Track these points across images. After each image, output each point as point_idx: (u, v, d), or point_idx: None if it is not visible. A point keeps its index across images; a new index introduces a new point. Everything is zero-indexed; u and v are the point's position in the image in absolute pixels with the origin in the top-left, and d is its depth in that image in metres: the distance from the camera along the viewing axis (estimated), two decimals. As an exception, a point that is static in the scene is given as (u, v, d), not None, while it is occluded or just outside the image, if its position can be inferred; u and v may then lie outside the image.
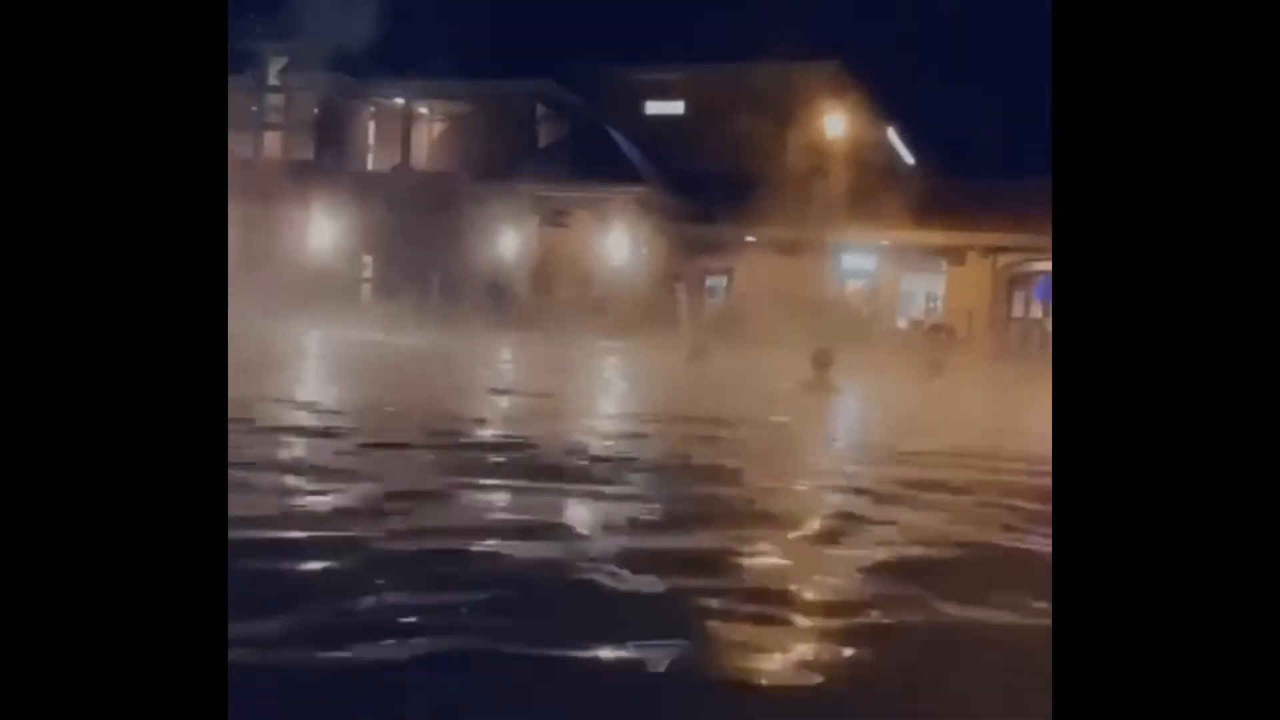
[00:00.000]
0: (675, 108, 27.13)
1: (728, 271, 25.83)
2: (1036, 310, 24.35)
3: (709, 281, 26.06)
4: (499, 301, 22.63)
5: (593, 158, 24.50)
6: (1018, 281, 24.62)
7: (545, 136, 27.31)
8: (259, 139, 28.78)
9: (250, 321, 18.06)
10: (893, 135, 27.72)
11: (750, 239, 24.28)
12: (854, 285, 25.86)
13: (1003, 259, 23.93)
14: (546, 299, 23.29)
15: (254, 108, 28.59)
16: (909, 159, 28.12)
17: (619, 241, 24.85)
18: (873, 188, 21.77)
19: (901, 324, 24.71)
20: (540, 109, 27.33)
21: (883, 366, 16.21)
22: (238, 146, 28.77)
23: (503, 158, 24.50)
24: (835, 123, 24.07)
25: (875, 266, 25.52)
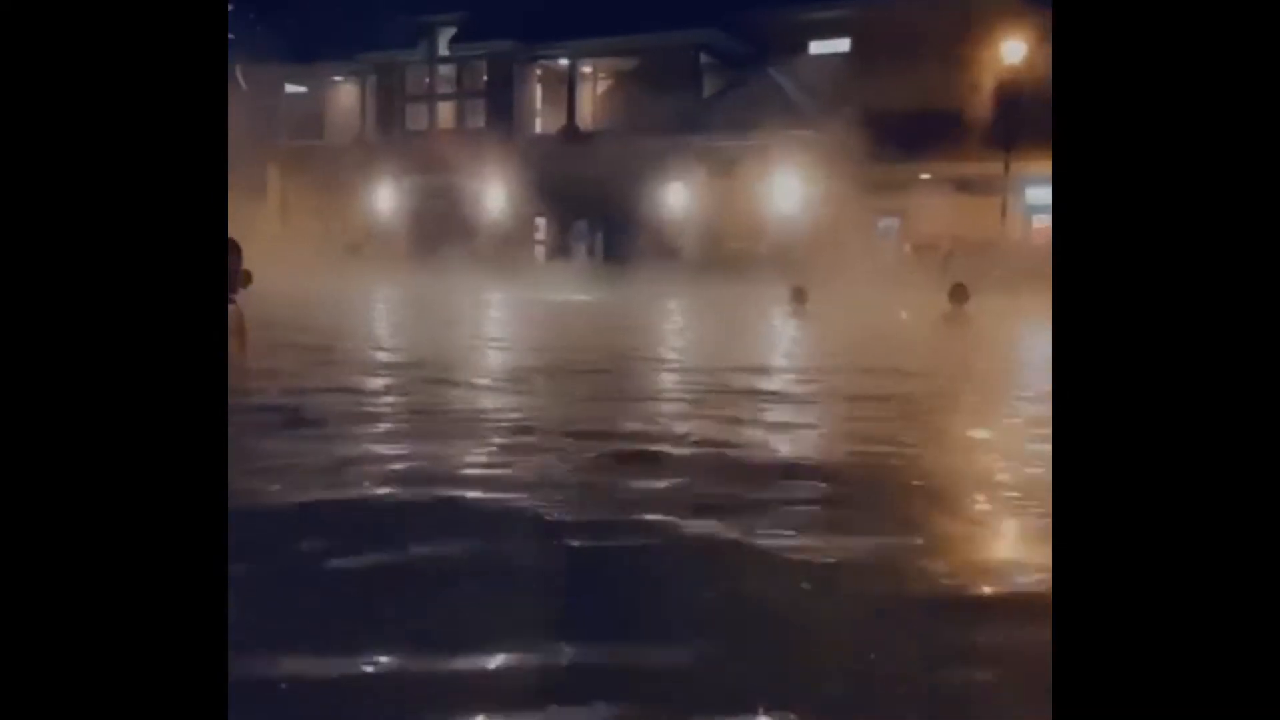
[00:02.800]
0: (841, 45, 26.37)
1: (900, 212, 25.09)
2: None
3: (881, 223, 25.37)
4: (670, 257, 22.77)
5: (758, 104, 24.17)
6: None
7: (710, 86, 27.09)
8: (433, 110, 29.80)
9: (434, 287, 18.85)
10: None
11: (925, 177, 23.46)
12: (1040, 221, 24.63)
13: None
14: (717, 252, 23.25)
15: (426, 80, 29.60)
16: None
17: (788, 188, 24.49)
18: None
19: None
20: (704, 58, 27.11)
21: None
22: (413, 119, 29.96)
23: (668, 111, 24.48)
24: (1013, 49, 22.84)
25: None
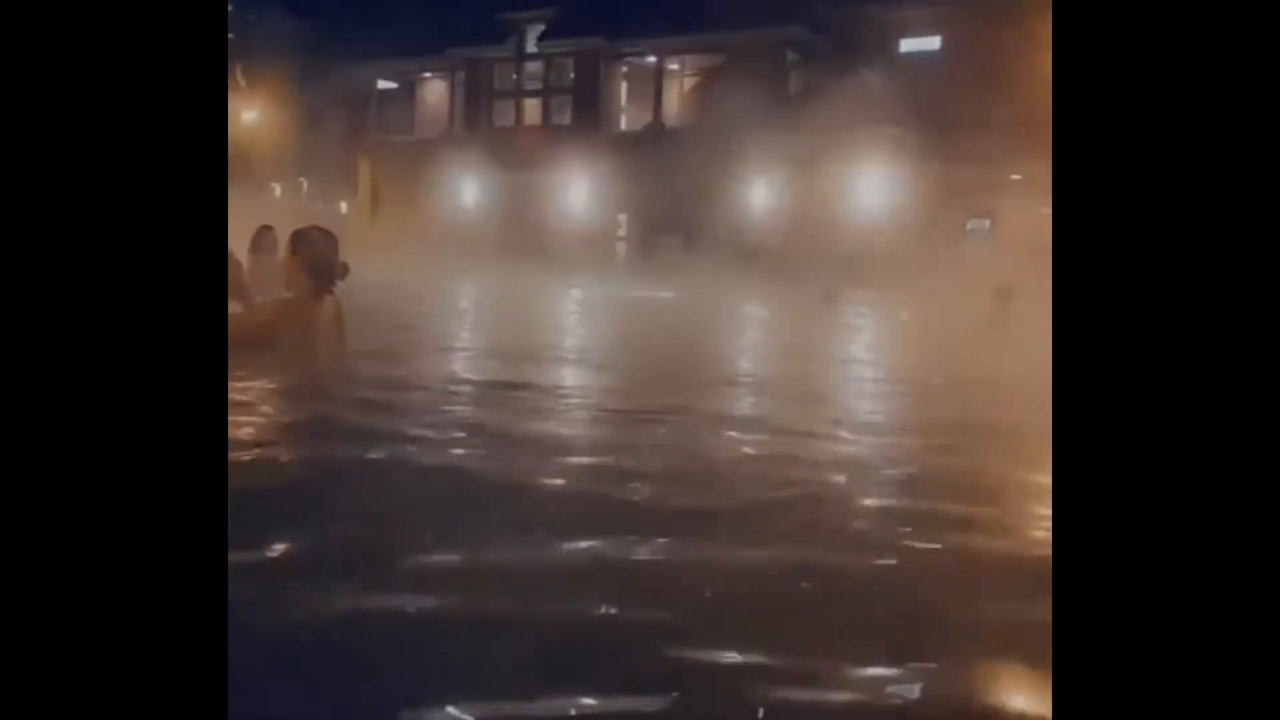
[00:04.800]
0: (931, 44, 25.96)
1: (990, 214, 24.62)
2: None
3: (970, 225, 24.94)
4: (752, 256, 22.68)
5: (846, 103, 23.92)
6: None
7: (797, 84, 26.91)
8: (520, 106, 30.13)
9: (518, 280, 19.06)
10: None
11: (1016, 177, 22.97)
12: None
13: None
14: (798, 252, 23.09)
15: (514, 76, 29.94)
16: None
17: (874, 188, 24.22)
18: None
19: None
20: (791, 56, 26.94)
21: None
22: (499, 115, 30.33)
23: (754, 109, 24.39)
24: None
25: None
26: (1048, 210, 21.88)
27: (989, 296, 12.76)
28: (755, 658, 1.94)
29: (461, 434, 4.84)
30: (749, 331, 13.50)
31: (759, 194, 25.34)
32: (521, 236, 26.63)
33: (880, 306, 15.54)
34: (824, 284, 18.06)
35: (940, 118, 23.12)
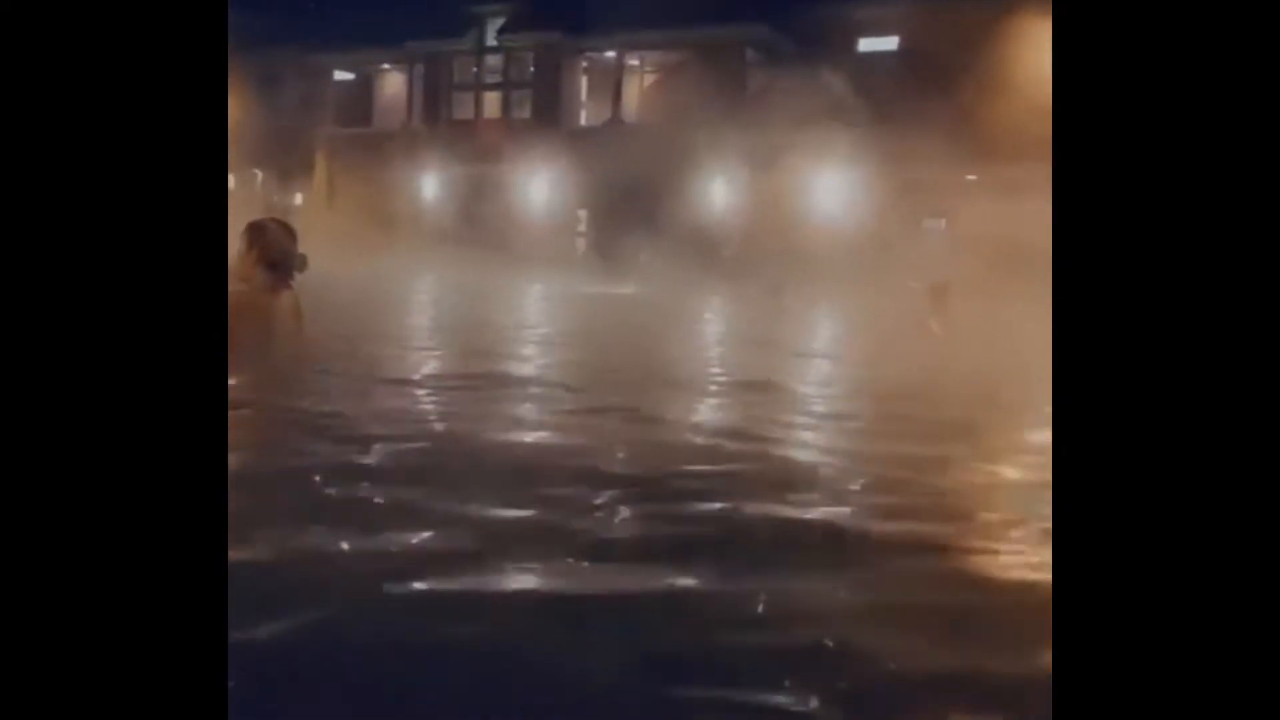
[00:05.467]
0: (889, 44, 26.15)
1: (946, 213, 24.86)
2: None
3: (926, 224, 25.17)
4: (712, 252, 22.73)
5: (805, 101, 24.02)
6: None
7: (756, 82, 26.99)
8: (479, 99, 29.94)
9: (476, 275, 18.98)
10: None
11: (971, 178, 23.22)
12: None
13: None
14: (760, 248, 23.18)
15: (474, 69, 29.74)
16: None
17: (834, 186, 24.37)
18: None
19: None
20: (750, 54, 27.01)
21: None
22: (459, 108, 30.11)
23: (714, 107, 24.42)
24: (1064, 50, 22.54)
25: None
26: (1002, 209, 22.18)
27: (926, 293, 12.96)
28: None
29: (419, 432, 4.83)
30: (696, 325, 13.54)
31: (718, 191, 25.39)
32: (480, 231, 26.47)
33: (828, 302, 15.67)
34: (774, 278, 18.16)
35: (898, 117, 23.31)
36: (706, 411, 6.08)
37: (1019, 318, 13.29)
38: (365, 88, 32.76)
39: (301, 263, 5.02)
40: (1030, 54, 22.36)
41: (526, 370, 8.00)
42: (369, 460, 3.99)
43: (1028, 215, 22.77)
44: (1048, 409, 5.91)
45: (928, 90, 22.67)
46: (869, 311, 14.82)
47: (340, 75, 32.63)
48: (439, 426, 5.16)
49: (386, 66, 32.25)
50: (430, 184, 29.94)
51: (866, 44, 26.35)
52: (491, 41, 29.38)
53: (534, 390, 6.66)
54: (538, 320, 13.73)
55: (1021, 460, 5.27)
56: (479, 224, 27.08)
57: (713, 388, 7.39)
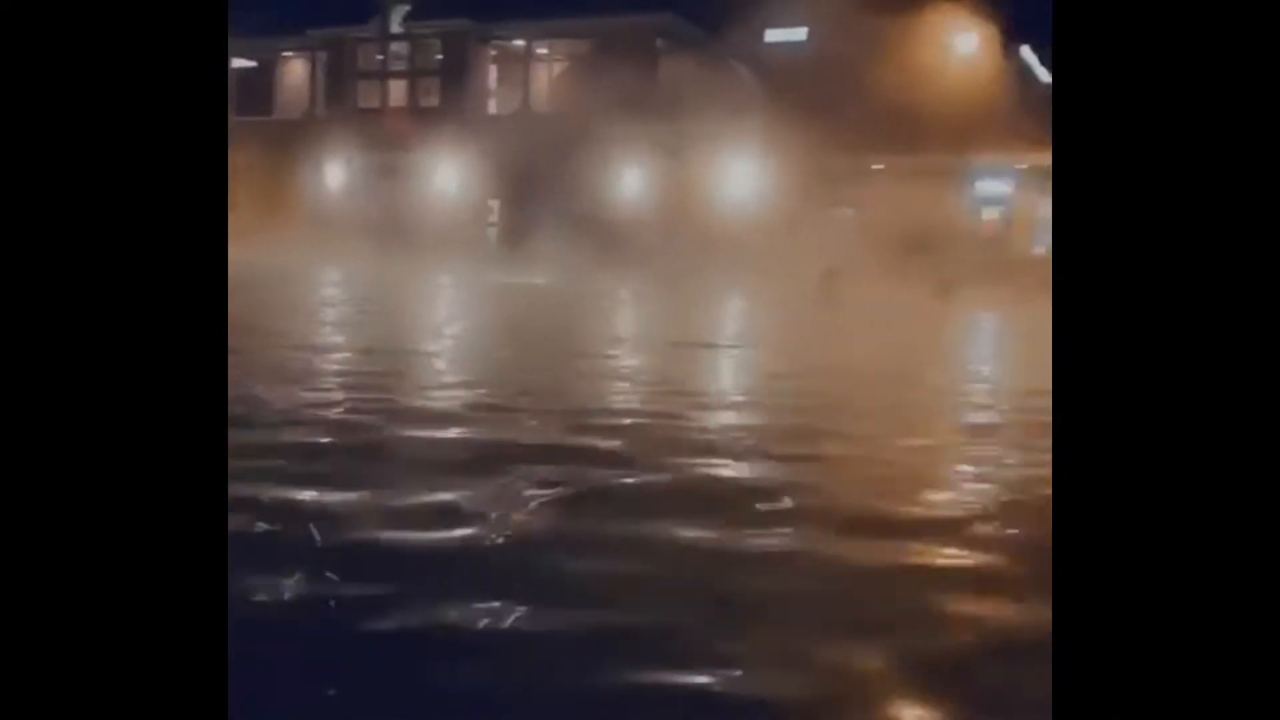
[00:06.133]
0: (798, 34, 26.36)
1: (855, 202, 25.22)
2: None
3: (835, 212, 25.49)
4: (623, 241, 22.67)
5: (714, 91, 24.09)
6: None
7: (666, 71, 26.97)
8: (384, 88, 29.36)
9: (378, 267, 18.64)
10: (1027, 53, 26.35)
11: (878, 167, 23.58)
12: (989, 213, 24.89)
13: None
14: (670, 236, 23.20)
15: (379, 56, 29.15)
16: (1045, 76, 26.72)
17: (742, 175, 24.50)
18: (1006, 110, 20.83)
19: (1039, 251, 23.73)
20: (660, 43, 26.97)
21: (1012, 297, 15.78)
22: (364, 96, 29.50)
23: (624, 95, 24.32)
24: (966, 41, 23.03)
25: (1011, 192, 24.48)
26: (906, 196, 22.55)
27: (817, 278, 13.40)
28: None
29: (326, 425, 4.71)
30: (603, 315, 13.51)
31: (629, 179, 25.34)
32: (389, 221, 25.98)
33: (733, 288, 15.83)
34: (679, 267, 18.23)
35: (806, 107, 23.54)
36: (606, 397, 6.16)
37: (916, 300, 13.68)
38: (266, 75, 31.87)
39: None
40: (936, 44, 22.80)
41: (438, 364, 7.85)
42: (274, 456, 3.88)
43: (933, 202, 23.36)
44: (936, 381, 6.49)
45: (836, 80, 22.93)
46: (772, 297, 15.02)
47: (240, 63, 31.68)
48: (340, 417, 5.03)
49: (288, 54, 31.42)
50: (335, 173, 29.28)
51: (774, 34, 26.52)
52: (397, 28, 28.82)
53: (446, 380, 6.54)
54: (447, 312, 13.51)
55: (911, 428, 5.66)
56: (387, 215, 26.57)
57: (616, 375, 7.49)
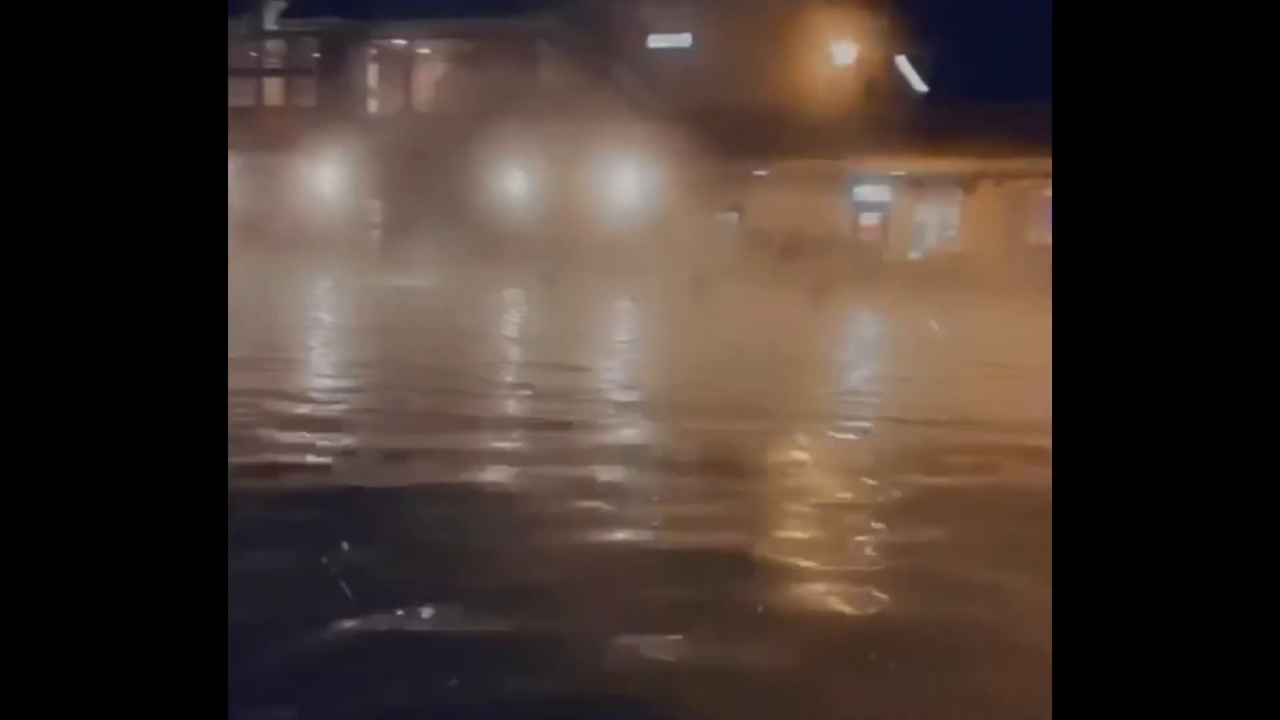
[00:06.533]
0: (682, 40, 26.57)
1: (738, 207, 25.55)
2: (1049, 236, 23.96)
3: (719, 217, 25.79)
4: (508, 244, 22.46)
5: (597, 94, 24.08)
6: (1033, 207, 24.18)
7: (548, 74, 26.85)
8: (259, 86, 28.47)
9: (260, 271, 18.06)
10: (903, 63, 27.15)
11: (760, 173, 23.93)
12: (868, 218, 25.52)
13: (1017, 185, 23.50)
14: (553, 242, 23.09)
15: (253, 54, 28.24)
16: (920, 86, 27.56)
17: (626, 179, 24.55)
18: (884, 117, 21.38)
19: (915, 255, 24.44)
20: (543, 45, 26.84)
21: (889, 298, 16.23)
22: (237, 94, 28.54)
23: (506, 97, 24.11)
24: (844, 50, 23.57)
25: (889, 198, 25.15)
26: (788, 202, 22.97)
27: (689, 282, 13.71)
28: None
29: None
30: (484, 318, 13.41)
31: (512, 182, 25.12)
32: (267, 223, 25.17)
33: (611, 292, 15.92)
34: (549, 269, 18.20)
35: (690, 112, 23.73)
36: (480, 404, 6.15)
37: (792, 303, 13.98)
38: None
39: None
40: (816, 53, 23.28)
41: (321, 368, 7.63)
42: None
43: (814, 207, 23.82)
44: (802, 382, 6.71)
45: (719, 86, 23.18)
46: (652, 301, 15.15)
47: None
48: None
49: (156, 49, 30.19)
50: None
51: (658, 39, 26.68)
52: (272, 25, 27.98)
53: (323, 383, 6.36)
54: (329, 314, 13.17)
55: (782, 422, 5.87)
56: (264, 216, 25.75)
57: (491, 379, 7.51)
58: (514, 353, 8.99)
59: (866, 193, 25.17)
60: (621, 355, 9.44)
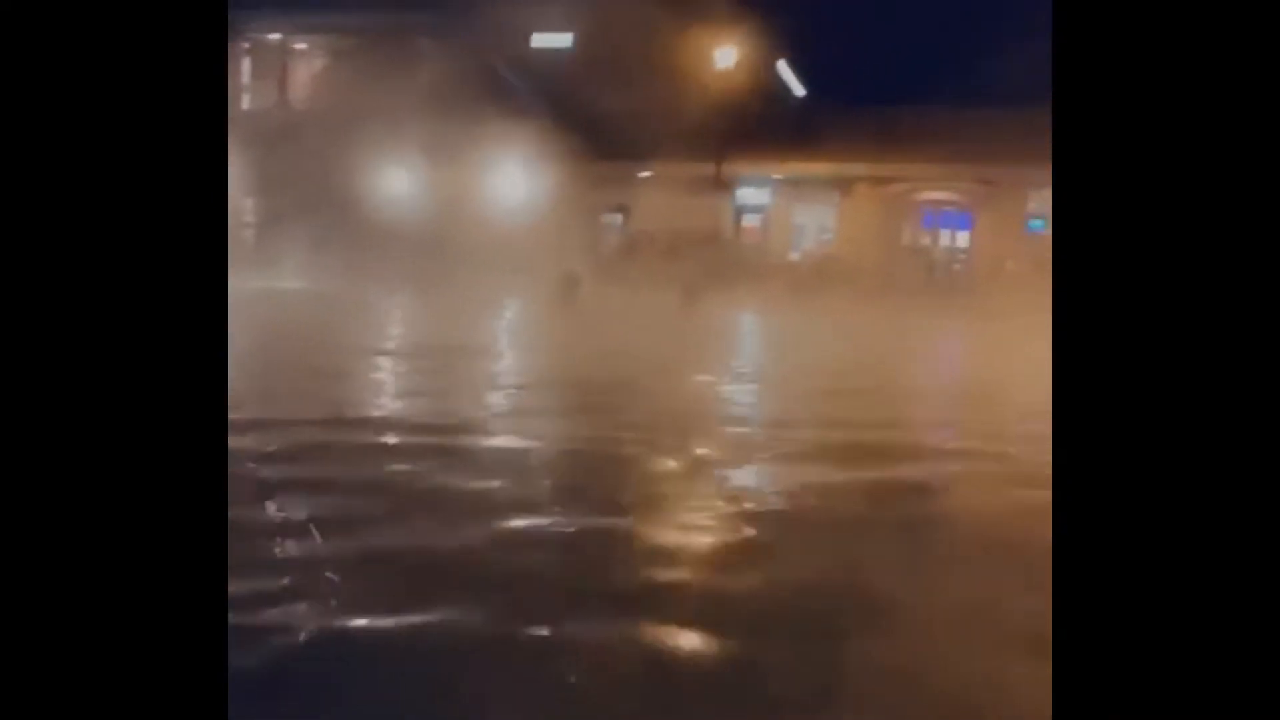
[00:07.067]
0: (563, 40, 26.49)
1: (623, 208, 25.59)
2: (924, 239, 24.66)
3: (604, 218, 25.78)
4: (387, 246, 22.04)
5: (478, 93, 23.79)
6: (907, 211, 24.84)
7: (429, 71, 26.42)
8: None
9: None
10: (783, 67, 27.56)
11: (645, 174, 24.00)
12: (749, 220, 25.83)
13: (892, 189, 24.10)
14: (432, 241, 22.76)
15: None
16: (799, 91, 28.02)
17: (509, 179, 24.34)
18: (764, 120, 21.68)
19: (795, 256, 24.84)
20: (424, 43, 26.41)
21: (770, 298, 16.44)
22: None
23: (386, 95, 23.63)
24: (725, 54, 23.80)
25: (769, 200, 25.51)
26: (673, 204, 23.08)
27: (558, 281, 13.71)
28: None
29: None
30: (357, 318, 13.15)
31: (390, 180, 24.65)
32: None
33: (491, 293, 15.79)
34: (440, 271, 18.00)
35: (573, 113, 23.65)
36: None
37: (664, 304, 14.02)
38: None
39: None
40: (699, 57, 23.43)
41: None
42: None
43: (697, 208, 23.99)
44: (671, 383, 6.71)
45: (601, 87, 23.15)
46: (530, 301, 15.08)
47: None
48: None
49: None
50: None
51: (540, 39, 26.53)
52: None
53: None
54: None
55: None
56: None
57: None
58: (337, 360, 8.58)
59: (748, 195, 25.50)
60: (458, 370, 8.77)
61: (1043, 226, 23.56)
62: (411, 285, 18.07)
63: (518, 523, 3.84)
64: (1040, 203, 23.56)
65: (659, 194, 23.69)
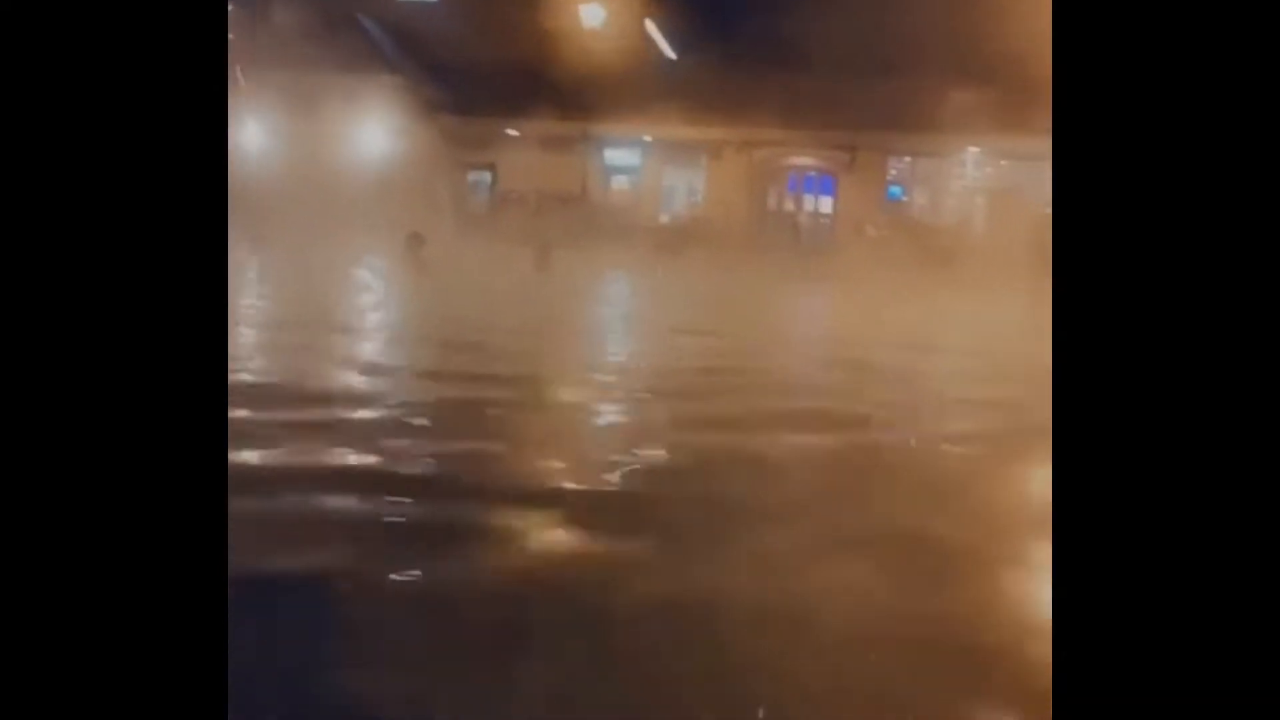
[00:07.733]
0: (429, -6, 25.81)
1: (491, 166, 25.24)
2: (789, 204, 25.10)
3: (471, 176, 25.38)
4: (237, 202, 21.18)
5: (342, 46, 23.03)
6: (773, 176, 25.20)
7: (290, 22, 25.43)
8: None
9: None
10: (651, 28, 27.48)
11: (512, 133, 23.69)
12: (619, 181, 25.80)
13: (759, 154, 24.40)
14: (290, 199, 22.01)
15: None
16: (670, 53, 28.01)
17: (372, 135, 23.69)
18: (633, 81, 21.60)
19: (664, 219, 24.96)
20: (281, -8, 25.37)
21: (638, 259, 16.49)
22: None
23: (243, 45, 22.63)
24: (593, 12, 23.58)
25: (639, 161, 25.52)
26: (542, 163, 22.86)
27: (403, 242, 13.52)
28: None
29: None
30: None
31: (244, 135, 23.69)
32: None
33: (350, 253, 15.43)
34: (299, 231, 17.48)
35: (438, 67, 23.12)
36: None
37: (513, 263, 13.95)
38: None
39: None
40: (565, 14, 23.14)
41: None
42: None
43: (569, 170, 23.83)
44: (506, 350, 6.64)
45: (467, 43, 22.68)
46: (382, 262, 14.83)
47: None
48: None
49: None
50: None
51: (405, -9, 25.80)
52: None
53: None
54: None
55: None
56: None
57: None
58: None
59: (618, 156, 25.44)
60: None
61: (901, 194, 24.30)
62: (268, 246, 17.43)
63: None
64: (899, 171, 24.28)
65: (527, 153, 23.45)
